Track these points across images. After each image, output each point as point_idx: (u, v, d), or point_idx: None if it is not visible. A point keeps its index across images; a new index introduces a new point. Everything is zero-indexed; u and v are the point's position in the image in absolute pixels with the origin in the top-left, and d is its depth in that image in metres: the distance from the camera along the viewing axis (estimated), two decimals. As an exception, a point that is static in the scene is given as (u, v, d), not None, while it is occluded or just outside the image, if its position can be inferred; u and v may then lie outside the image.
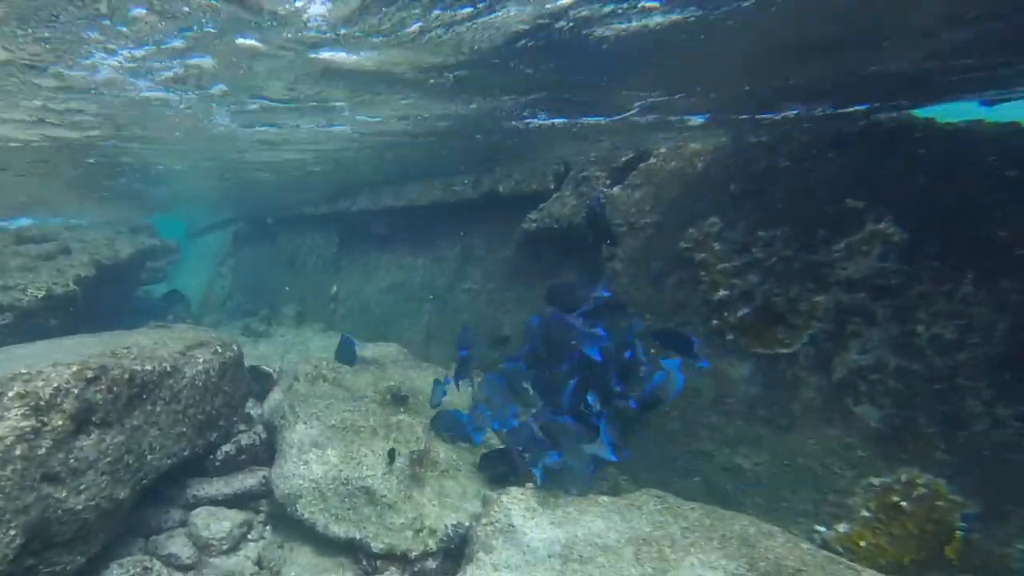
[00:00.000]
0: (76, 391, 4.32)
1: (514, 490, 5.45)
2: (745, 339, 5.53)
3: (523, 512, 5.17)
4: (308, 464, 5.85)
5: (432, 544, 5.36)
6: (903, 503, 4.74)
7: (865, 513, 4.85)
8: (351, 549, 5.42)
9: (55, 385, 4.18)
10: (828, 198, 5.18)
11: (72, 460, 4.14)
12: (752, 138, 5.76)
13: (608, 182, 7.00)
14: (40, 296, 7.16)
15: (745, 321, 5.53)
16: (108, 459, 4.47)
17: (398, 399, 7.12)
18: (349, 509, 5.55)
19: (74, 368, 4.42)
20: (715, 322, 5.72)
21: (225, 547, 5.43)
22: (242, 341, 10.08)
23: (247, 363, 8.47)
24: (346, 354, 7.78)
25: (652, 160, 6.68)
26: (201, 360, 6.16)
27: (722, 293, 5.67)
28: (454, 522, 5.65)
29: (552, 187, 7.78)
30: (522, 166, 8.36)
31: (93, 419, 4.43)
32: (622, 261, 6.64)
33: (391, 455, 5.94)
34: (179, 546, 5.28)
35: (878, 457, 4.88)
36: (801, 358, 5.25)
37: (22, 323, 7.04)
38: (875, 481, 4.87)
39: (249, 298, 13.28)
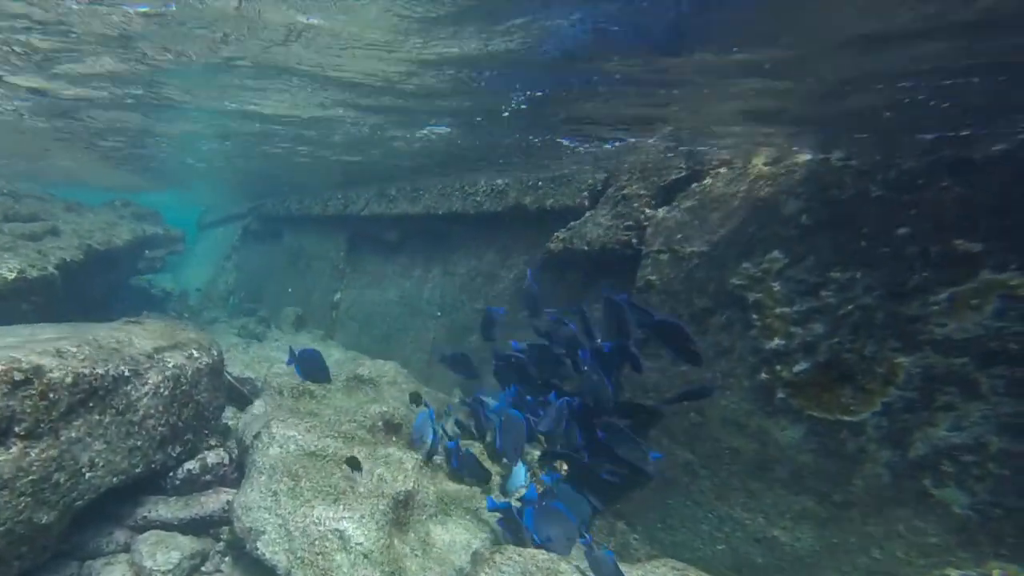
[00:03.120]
0: (-3, 395, 3.68)
1: (510, 549, 4.68)
2: (799, 399, 4.72)
3: (518, 578, 4.39)
4: (277, 496, 5.14)
5: (408, 607, 4.59)
6: (992, 601, 3.89)
7: (936, 606, 4.01)
8: (314, 601, 4.67)
9: (-31, 387, 3.54)
10: (933, 237, 4.33)
11: (-21, 479, 3.49)
12: (837, 160, 4.95)
13: (652, 202, 6.25)
14: (11, 278, 6.63)
15: (802, 378, 4.71)
16: (30, 477, 3.82)
17: (391, 427, 6.40)
18: (318, 554, 4.82)
19: None
20: (764, 375, 4.91)
21: (171, 582, 4.72)
22: (235, 342, 9.53)
23: (235, 367, 7.88)
24: (312, 369, 6.81)
25: (707, 180, 5.92)
26: (171, 364, 5.52)
27: (777, 342, 4.86)
28: (438, 577, 4.90)
29: (586, 204, 7.05)
30: (555, 177, 7.66)
31: (16, 430, 3.79)
32: (659, 293, 5.87)
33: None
34: (118, 575, 4.58)
35: (959, 547, 4.07)
36: (870, 428, 4.42)
37: (-12, 306, 6.50)
38: (952, 573, 4.04)
39: (250, 296, 12.77)
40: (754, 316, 5.06)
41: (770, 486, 4.89)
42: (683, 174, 6.17)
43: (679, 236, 5.86)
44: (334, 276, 11.34)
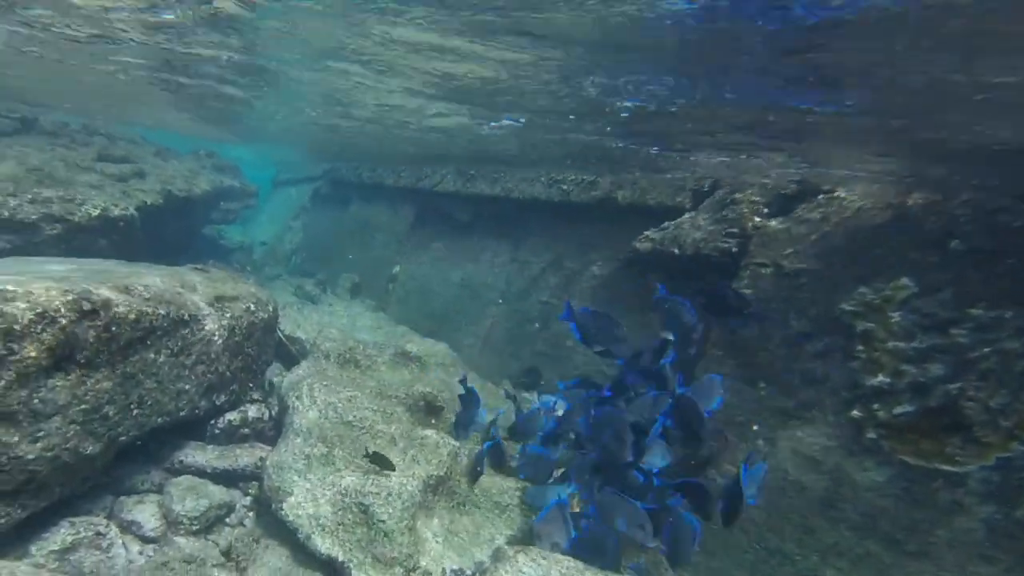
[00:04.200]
0: (64, 322, 3.90)
1: (534, 551, 4.60)
2: (892, 442, 4.42)
3: (539, 582, 4.31)
4: (309, 460, 5.26)
5: (421, 591, 4.61)
6: None
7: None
8: (330, 569, 4.75)
9: (39, 310, 3.77)
10: None
11: (36, 400, 3.71)
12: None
13: (765, 210, 5.96)
14: (94, 214, 7.07)
15: (902, 421, 4.39)
16: (83, 406, 4.03)
17: (432, 409, 6.42)
18: (339, 524, 4.89)
19: (70, 296, 4.01)
20: (856, 413, 4.61)
21: (195, 527, 4.92)
22: (290, 301, 9.83)
23: (286, 326, 8.11)
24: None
25: (838, 193, 5.55)
26: (228, 315, 5.73)
27: (881, 379, 4.54)
28: (455, 567, 4.90)
29: (688, 205, 6.82)
30: (653, 176, 7.46)
31: (77, 357, 4.00)
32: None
33: (376, 458, 5.22)
34: (146, 515, 4.81)
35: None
36: (973, 481, 4.09)
37: (71, 237, 6.97)
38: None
39: (312, 258, 13.18)
40: (859, 347, 4.76)
41: (834, 525, 4.64)
42: (809, 184, 5.84)
43: (789, 250, 5.53)
44: (396, 248, 11.53)
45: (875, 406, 4.56)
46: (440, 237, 11.01)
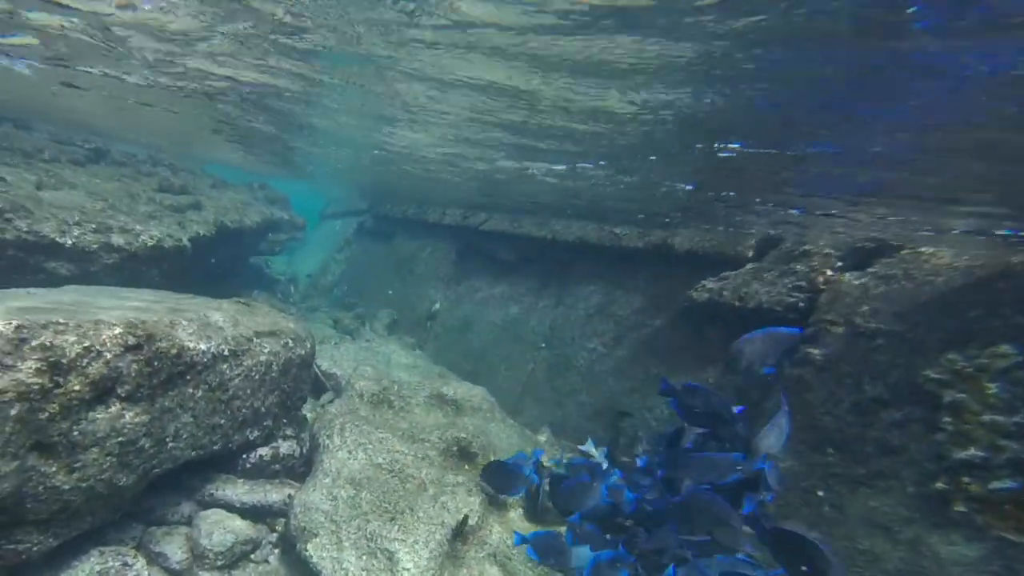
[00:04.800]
0: (109, 356, 4.04)
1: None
2: (987, 517, 4.14)
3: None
4: (336, 502, 5.24)
5: (443, 652, 4.47)
6: None
7: None
8: (351, 619, 4.67)
9: (86, 344, 3.92)
10: None
11: (76, 432, 3.83)
12: None
13: (839, 264, 5.77)
14: (150, 244, 7.38)
15: (1001, 496, 4.11)
16: (120, 439, 4.13)
17: (465, 455, 6.34)
18: (363, 569, 4.83)
19: (117, 330, 4.16)
20: (942, 485, 4.35)
21: (220, 563, 4.94)
22: (329, 334, 9.99)
23: (323, 361, 8.23)
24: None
25: (924, 249, 5.35)
26: (267, 351, 5.83)
27: (972, 452, 4.28)
28: (482, 624, 4.75)
29: (750, 255, 6.67)
30: (715, 226, 7.38)
31: (118, 391, 4.13)
32: (819, 370, 5.34)
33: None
34: (174, 547, 4.86)
35: None
36: None
37: (125, 267, 7.29)
38: None
39: (353, 292, 13.42)
40: (946, 419, 4.48)
41: (914, 600, 4.33)
42: (889, 240, 5.63)
43: (865, 308, 5.29)
44: (436, 286, 11.63)
45: (965, 479, 4.30)
46: (483, 277, 11.03)
